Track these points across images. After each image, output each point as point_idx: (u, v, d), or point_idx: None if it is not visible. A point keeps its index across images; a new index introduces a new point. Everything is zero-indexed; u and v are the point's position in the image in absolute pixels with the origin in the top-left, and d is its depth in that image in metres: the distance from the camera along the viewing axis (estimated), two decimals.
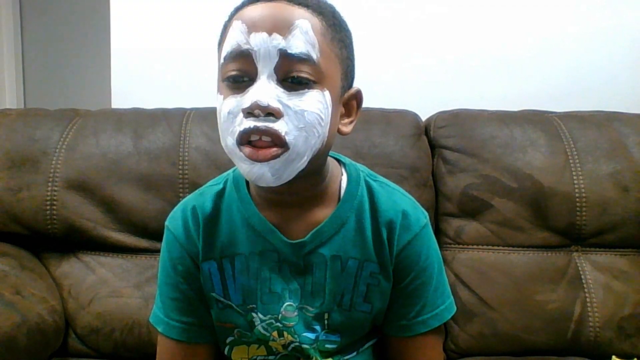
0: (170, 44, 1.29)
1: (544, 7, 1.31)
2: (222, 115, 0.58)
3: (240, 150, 0.57)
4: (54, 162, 1.02)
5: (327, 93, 0.58)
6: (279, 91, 0.56)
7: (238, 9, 0.59)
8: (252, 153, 0.56)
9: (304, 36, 0.56)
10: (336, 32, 0.59)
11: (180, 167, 1.03)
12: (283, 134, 0.55)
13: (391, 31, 1.31)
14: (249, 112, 0.55)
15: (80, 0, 2.80)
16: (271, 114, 0.55)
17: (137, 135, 1.05)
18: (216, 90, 0.61)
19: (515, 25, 1.32)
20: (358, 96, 0.66)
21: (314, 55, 0.56)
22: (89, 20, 2.68)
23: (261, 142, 0.56)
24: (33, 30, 2.82)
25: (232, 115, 0.57)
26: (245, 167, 0.58)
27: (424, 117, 1.17)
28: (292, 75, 0.56)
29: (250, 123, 0.55)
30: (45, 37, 2.83)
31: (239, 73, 0.57)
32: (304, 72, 0.56)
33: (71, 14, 2.85)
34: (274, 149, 0.56)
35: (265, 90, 0.55)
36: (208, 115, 1.08)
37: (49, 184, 1.01)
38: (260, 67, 0.56)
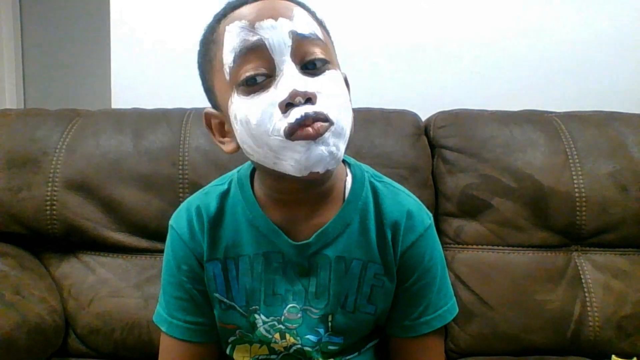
0: (171, 44, 1.29)
1: (544, 7, 1.31)
2: (254, 118, 0.55)
3: (293, 140, 0.54)
4: (54, 162, 1.02)
5: (339, 72, 0.59)
6: (305, 78, 0.55)
7: (220, 20, 0.58)
8: (307, 133, 0.53)
9: (306, 19, 0.56)
10: (323, 27, 0.61)
11: (180, 167, 1.03)
12: (326, 112, 0.54)
13: (391, 31, 1.31)
14: (289, 103, 0.53)
15: (80, 1, 2.80)
16: (309, 99, 0.54)
17: (137, 135, 1.05)
18: (222, 102, 0.59)
19: (514, 25, 1.31)
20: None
21: (320, 35, 0.57)
22: (89, 21, 2.68)
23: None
24: (33, 30, 2.82)
25: (267, 112, 0.54)
26: (300, 155, 0.54)
27: (424, 117, 1.17)
28: (308, 59, 0.56)
29: (300, 111, 0.53)
30: (45, 37, 2.83)
31: (257, 72, 0.54)
32: (318, 53, 0.56)
33: (71, 14, 2.85)
34: (324, 123, 0.54)
35: (296, 77, 0.54)
36: None
37: (49, 184, 1.01)
38: (277, 58, 0.54)
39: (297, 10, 0.57)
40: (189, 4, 1.28)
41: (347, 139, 0.58)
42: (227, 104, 0.58)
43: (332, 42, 0.62)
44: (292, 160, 0.55)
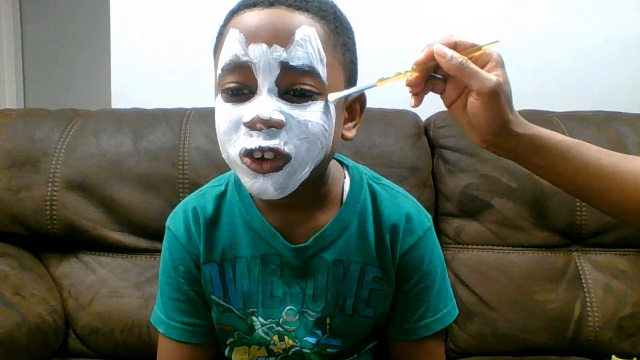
0: (170, 44, 1.29)
1: (544, 7, 1.31)
2: (222, 125, 0.56)
3: (243, 161, 0.56)
4: (54, 162, 1.02)
5: (331, 103, 0.57)
6: (281, 103, 0.54)
7: (234, 13, 0.57)
8: (255, 165, 0.55)
9: (306, 46, 0.53)
10: (339, 36, 0.58)
11: (180, 167, 1.03)
12: (283, 146, 0.54)
13: (390, 31, 1.31)
14: (251, 127, 0.53)
15: (80, 1, 2.80)
16: (273, 126, 0.53)
17: (137, 135, 1.05)
18: (214, 97, 0.60)
19: (514, 24, 1.31)
20: (361, 99, 0.65)
21: (317, 66, 0.54)
22: (89, 21, 2.68)
23: (263, 159, 0.55)
24: (33, 30, 2.82)
25: (234, 124, 0.55)
26: (247, 180, 0.57)
27: (424, 117, 1.16)
28: (295, 88, 0.54)
29: (254, 142, 0.54)
30: (45, 37, 2.84)
31: (238, 85, 0.55)
32: (307, 85, 0.54)
33: (71, 14, 2.85)
34: (278, 161, 0.55)
35: (267, 103, 0.53)
36: (208, 115, 1.08)
37: (49, 184, 1.01)
38: (260, 79, 0.53)
39: (302, 32, 0.53)
40: (188, 4, 1.28)
41: (310, 169, 0.57)
42: (215, 95, 0.59)
43: (349, 62, 0.59)
44: (243, 180, 0.58)
